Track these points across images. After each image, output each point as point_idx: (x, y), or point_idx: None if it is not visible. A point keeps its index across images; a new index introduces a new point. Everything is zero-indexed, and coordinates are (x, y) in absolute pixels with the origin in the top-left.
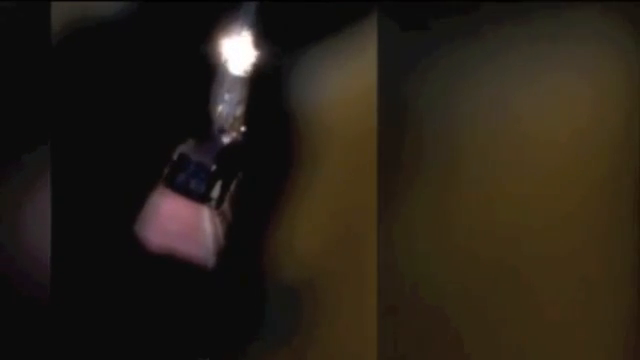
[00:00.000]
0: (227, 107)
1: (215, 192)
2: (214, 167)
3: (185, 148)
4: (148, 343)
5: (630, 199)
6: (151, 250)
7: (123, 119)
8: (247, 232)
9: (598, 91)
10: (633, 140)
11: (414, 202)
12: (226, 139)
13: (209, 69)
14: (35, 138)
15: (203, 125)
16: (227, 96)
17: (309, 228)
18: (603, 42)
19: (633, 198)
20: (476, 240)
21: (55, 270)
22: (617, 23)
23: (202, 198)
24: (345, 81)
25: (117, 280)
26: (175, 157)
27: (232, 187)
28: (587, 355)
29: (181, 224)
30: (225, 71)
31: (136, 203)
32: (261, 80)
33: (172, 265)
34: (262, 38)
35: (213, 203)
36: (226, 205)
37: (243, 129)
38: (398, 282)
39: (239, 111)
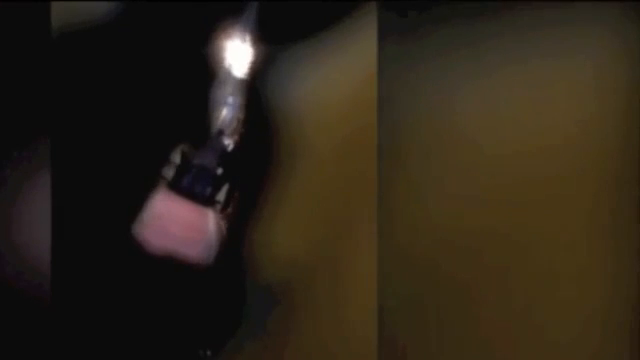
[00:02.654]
0: (231, 110)
1: (221, 195)
2: (220, 170)
3: (187, 150)
4: (148, 339)
5: (635, 206)
6: (151, 252)
7: (124, 120)
8: (240, 232)
9: (599, 85)
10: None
11: (412, 202)
12: (228, 141)
13: (212, 72)
14: (35, 138)
15: (205, 127)
16: (231, 99)
17: (300, 228)
18: (605, 33)
19: (637, 203)
20: (473, 243)
21: (55, 270)
22: (620, 13)
23: (207, 201)
24: (342, 76)
25: (117, 280)
26: (177, 159)
27: (236, 190)
28: None
29: (185, 227)
30: (228, 74)
31: (137, 204)
32: (259, 79)
33: (171, 265)
34: (263, 36)
35: (218, 206)
36: (230, 208)
37: (245, 131)
38: (386, 283)
39: (242, 114)
